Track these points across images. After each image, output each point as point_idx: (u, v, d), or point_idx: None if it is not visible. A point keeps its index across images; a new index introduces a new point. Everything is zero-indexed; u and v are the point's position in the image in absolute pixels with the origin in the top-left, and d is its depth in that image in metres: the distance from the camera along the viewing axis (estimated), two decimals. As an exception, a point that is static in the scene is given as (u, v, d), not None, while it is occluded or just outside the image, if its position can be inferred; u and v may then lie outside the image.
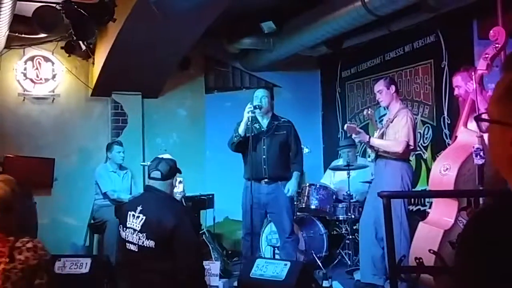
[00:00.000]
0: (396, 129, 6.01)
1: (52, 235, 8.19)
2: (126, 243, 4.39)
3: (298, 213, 7.95)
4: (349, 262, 7.47)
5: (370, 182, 7.10)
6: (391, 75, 8.34)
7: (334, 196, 7.80)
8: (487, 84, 5.48)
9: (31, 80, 8.57)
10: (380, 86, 6.23)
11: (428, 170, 7.41)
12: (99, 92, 8.89)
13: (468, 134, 4.77)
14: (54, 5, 7.01)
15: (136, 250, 4.32)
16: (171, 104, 9.51)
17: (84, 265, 5.81)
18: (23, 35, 8.28)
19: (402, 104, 6.39)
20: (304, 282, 5.48)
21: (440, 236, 4.56)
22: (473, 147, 4.41)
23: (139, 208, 4.39)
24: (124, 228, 4.42)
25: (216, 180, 9.07)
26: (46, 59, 8.65)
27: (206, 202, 8.08)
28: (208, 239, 7.45)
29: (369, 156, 6.43)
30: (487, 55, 4.74)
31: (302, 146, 6.95)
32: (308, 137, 8.82)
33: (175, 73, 9.15)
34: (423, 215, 7.03)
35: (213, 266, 6.43)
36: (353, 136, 6.26)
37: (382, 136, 6.19)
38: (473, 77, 4.68)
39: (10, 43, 8.22)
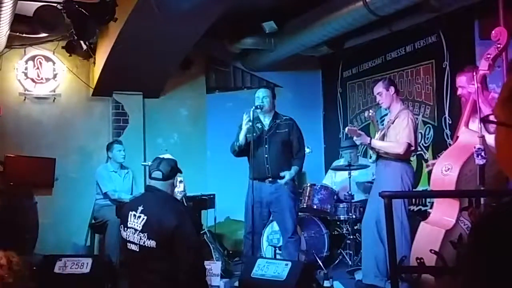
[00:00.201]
0: (397, 130, 6.01)
1: (53, 235, 8.22)
2: (127, 243, 4.39)
3: (299, 213, 7.94)
4: (350, 262, 7.46)
5: (371, 182, 7.10)
6: (392, 75, 8.34)
7: (335, 196, 7.80)
8: (489, 84, 5.48)
9: (32, 80, 8.57)
10: (379, 88, 6.21)
11: (429, 171, 7.41)
12: (100, 92, 8.89)
13: (470, 135, 4.76)
14: (55, 4, 7.01)
15: (137, 250, 4.32)
16: (172, 104, 9.50)
17: (85, 265, 5.82)
18: (24, 35, 8.29)
19: (403, 104, 6.38)
20: (305, 282, 5.49)
21: (441, 236, 4.55)
22: (475, 147, 4.40)
23: (140, 208, 4.39)
24: (125, 228, 4.42)
25: (217, 180, 9.07)
26: (47, 59, 8.65)
27: (207, 202, 8.07)
28: (209, 239, 7.45)
29: (370, 157, 6.42)
30: (489, 56, 4.73)
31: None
32: (309, 137, 8.78)
33: (176, 73, 9.15)
34: (424, 215, 7.03)
35: (214, 266, 6.43)
36: (354, 138, 6.25)
37: (383, 137, 6.19)
38: (475, 77, 4.67)
39: (11, 42, 8.22)
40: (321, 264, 7.27)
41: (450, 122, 7.49)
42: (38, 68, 8.59)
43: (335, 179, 8.47)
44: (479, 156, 4.36)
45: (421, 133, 8.01)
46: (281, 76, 10.21)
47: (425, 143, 8.02)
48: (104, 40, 8.09)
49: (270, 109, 6.64)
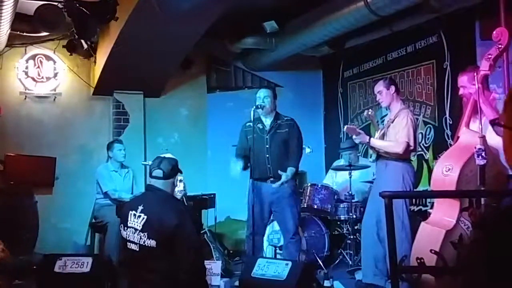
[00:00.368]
0: (397, 129, 6.00)
1: (53, 234, 8.23)
2: (127, 243, 4.39)
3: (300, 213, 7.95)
4: (350, 262, 7.47)
5: (371, 182, 7.10)
6: (393, 76, 8.34)
7: (335, 196, 7.80)
8: (490, 85, 5.47)
9: (33, 79, 8.58)
10: (379, 87, 6.22)
11: (430, 171, 7.41)
12: (100, 91, 8.89)
13: (470, 135, 4.76)
14: (56, 3, 7.02)
15: (137, 249, 4.32)
16: (173, 104, 9.51)
17: (85, 265, 5.82)
18: (24, 34, 8.29)
19: (403, 104, 6.37)
20: (305, 282, 5.49)
21: (441, 236, 4.55)
22: (475, 147, 4.40)
23: (140, 208, 4.39)
24: (125, 228, 4.42)
25: (218, 179, 9.07)
26: (48, 58, 8.66)
27: (207, 201, 8.07)
28: (210, 238, 7.45)
29: (370, 156, 6.42)
30: (489, 56, 4.72)
31: (304, 146, 6.93)
32: (310, 137, 8.80)
33: (177, 72, 9.15)
34: (425, 215, 7.03)
35: (214, 266, 6.43)
36: (354, 137, 6.25)
37: (383, 137, 6.18)
38: (476, 77, 4.67)
39: (12, 41, 8.23)
40: (321, 264, 7.28)
41: (451, 123, 7.48)
42: (38, 67, 8.59)
43: (335, 179, 8.47)
44: (480, 157, 4.35)
45: (421, 133, 8.01)
46: (282, 76, 10.21)
47: (426, 144, 8.02)
48: (105, 39, 8.09)
49: (271, 110, 6.64)
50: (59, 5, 6.96)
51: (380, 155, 6.17)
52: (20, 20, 7.62)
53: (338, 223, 8.10)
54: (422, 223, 4.90)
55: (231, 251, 8.26)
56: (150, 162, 4.91)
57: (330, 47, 9.02)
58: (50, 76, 8.67)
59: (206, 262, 5.30)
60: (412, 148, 5.98)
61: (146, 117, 9.22)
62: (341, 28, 7.49)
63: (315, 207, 7.71)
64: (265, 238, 7.44)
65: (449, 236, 4.54)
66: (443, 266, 4.27)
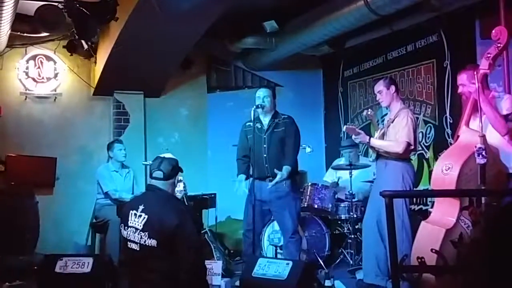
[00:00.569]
0: (397, 129, 6.00)
1: (54, 234, 8.23)
2: (128, 242, 4.39)
3: (300, 213, 7.95)
4: (351, 262, 7.46)
5: (372, 182, 7.10)
6: (393, 75, 8.35)
7: (336, 196, 7.80)
8: (490, 83, 5.47)
9: (33, 79, 8.58)
10: (380, 86, 6.22)
11: (430, 170, 7.41)
12: (101, 91, 8.89)
13: (470, 134, 4.76)
14: (56, 4, 7.01)
15: (138, 249, 4.33)
16: (173, 104, 9.51)
17: (86, 265, 5.81)
18: (25, 34, 8.30)
19: (403, 104, 6.37)
20: (306, 282, 5.49)
21: (442, 235, 4.55)
22: (475, 146, 4.40)
23: (141, 207, 4.40)
24: (126, 227, 4.42)
25: (218, 179, 9.06)
26: (48, 58, 8.66)
27: (208, 201, 8.07)
28: (210, 238, 7.45)
29: (370, 156, 6.43)
30: (489, 55, 4.73)
31: (301, 145, 6.92)
32: (310, 136, 8.81)
33: (177, 72, 9.16)
34: (425, 214, 7.03)
35: (215, 266, 6.42)
36: (353, 137, 6.25)
37: (383, 136, 6.18)
38: (476, 76, 4.67)
39: (12, 42, 8.23)
40: (322, 263, 7.27)
41: (451, 121, 7.49)
42: (39, 67, 8.60)
43: (335, 178, 8.47)
44: (480, 156, 4.35)
45: (422, 132, 8.01)
46: (282, 75, 10.22)
47: (426, 143, 8.02)
48: (105, 40, 8.09)
49: (270, 109, 6.64)
50: (59, 6, 6.96)
51: (380, 155, 6.17)
52: (20, 21, 7.63)
53: (339, 222, 8.10)
54: (423, 222, 4.91)
55: (231, 251, 8.25)
56: (150, 162, 4.91)
57: (330, 46, 9.02)
58: (50, 77, 8.67)
59: (206, 262, 5.30)
60: (412, 147, 5.98)
61: (147, 117, 9.23)
62: (341, 27, 7.49)
63: (316, 206, 7.71)
64: (265, 237, 7.45)
65: (449, 235, 4.54)
66: (443, 265, 4.27)
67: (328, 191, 7.76)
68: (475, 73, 4.73)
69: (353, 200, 7.58)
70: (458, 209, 4.65)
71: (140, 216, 4.36)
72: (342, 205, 7.78)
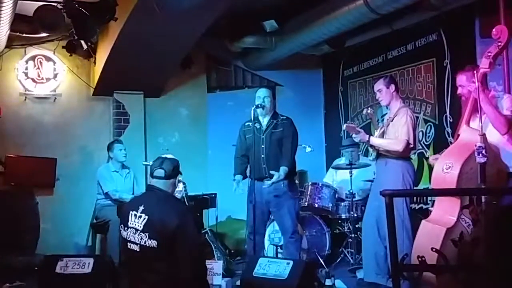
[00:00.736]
0: (396, 127, 6.01)
1: (55, 235, 8.23)
2: (128, 243, 4.38)
3: (300, 212, 7.94)
4: (351, 261, 7.46)
5: (372, 181, 7.10)
6: (393, 74, 8.34)
7: (336, 195, 7.80)
8: (490, 82, 5.47)
9: (33, 80, 8.57)
10: (379, 85, 6.22)
11: (431, 169, 7.40)
12: (100, 92, 8.89)
13: (470, 133, 4.76)
14: (55, 4, 7.00)
15: (138, 250, 4.31)
16: (173, 103, 9.51)
17: (86, 265, 5.80)
18: (24, 35, 8.28)
19: (403, 103, 6.37)
20: (307, 281, 5.48)
21: (442, 234, 4.55)
22: (475, 145, 4.40)
23: (141, 208, 4.38)
24: (126, 228, 4.41)
25: (219, 179, 9.04)
26: (48, 59, 8.65)
27: (208, 201, 8.08)
28: (211, 238, 7.44)
29: (371, 155, 6.42)
30: (489, 54, 4.72)
31: (301, 145, 6.92)
32: (310, 136, 8.83)
33: (177, 72, 9.15)
34: (426, 213, 7.03)
35: (215, 265, 6.43)
36: (353, 135, 6.25)
37: (382, 135, 6.19)
38: (476, 75, 4.66)
39: (12, 42, 8.22)
40: (322, 262, 7.28)
41: (451, 120, 7.49)
42: (38, 68, 8.59)
43: (336, 178, 8.47)
44: (480, 154, 4.35)
45: (422, 131, 8.02)
46: (282, 75, 10.22)
47: (426, 142, 8.02)
48: (105, 40, 8.09)
49: (270, 109, 6.63)
50: (59, 6, 6.95)
51: (380, 154, 6.17)
52: (19, 21, 7.63)
53: (339, 221, 8.11)
54: (423, 221, 4.90)
55: (232, 251, 8.25)
56: (150, 162, 4.90)
57: (330, 46, 9.02)
58: (50, 77, 8.66)
59: (207, 261, 5.30)
60: (411, 146, 5.98)
61: (147, 117, 9.22)
62: (341, 27, 7.49)
63: (316, 206, 7.71)
64: (266, 237, 7.45)
65: (449, 233, 4.54)
66: (444, 264, 4.27)
67: (328, 190, 7.75)
68: (475, 72, 4.73)
69: (354, 199, 7.58)
70: (458, 208, 4.65)
71: (140, 216, 4.35)
72: (342, 204, 7.78)
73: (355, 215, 7.54)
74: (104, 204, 7.88)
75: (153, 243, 4.23)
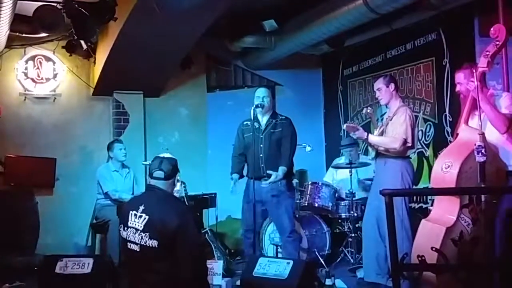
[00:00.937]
0: (395, 126, 6.01)
1: (54, 235, 8.23)
2: (127, 243, 4.37)
3: (300, 212, 7.95)
4: (352, 260, 7.46)
5: (372, 180, 7.10)
6: (393, 73, 8.34)
7: (336, 194, 7.80)
8: (488, 81, 5.47)
9: (32, 80, 8.57)
10: (379, 84, 6.23)
11: (430, 168, 7.42)
12: (100, 92, 8.89)
13: (470, 132, 4.76)
14: (54, 4, 7.00)
15: (138, 250, 4.30)
16: (172, 103, 9.51)
17: (86, 265, 5.80)
18: (24, 35, 8.28)
19: (402, 102, 6.38)
20: (307, 281, 5.48)
21: (442, 233, 4.55)
22: (475, 144, 4.39)
23: (141, 208, 4.37)
24: (125, 228, 4.40)
25: (218, 179, 9.02)
26: (47, 59, 8.65)
27: (208, 201, 8.09)
28: (211, 238, 7.44)
29: (370, 154, 6.43)
30: (487, 53, 4.73)
31: (301, 144, 6.92)
32: (310, 135, 8.83)
33: (177, 72, 9.15)
34: (425, 212, 7.03)
35: (215, 265, 6.43)
36: (352, 133, 6.25)
37: (382, 134, 6.19)
38: (474, 74, 4.67)
39: (11, 42, 8.22)
40: (322, 262, 7.29)
41: (451, 120, 7.49)
42: (38, 68, 8.59)
43: (336, 177, 8.47)
44: (480, 153, 4.35)
45: (421, 130, 8.02)
46: (281, 74, 10.22)
47: (426, 141, 8.02)
48: (104, 40, 8.09)
49: (269, 109, 6.64)
50: (58, 6, 6.94)
51: (380, 153, 6.17)
52: (19, 21, 7.62)
53: (339, 221, 8.10)
54: (423, 221, 4.90)
55: (232, 251, 8.25)
56: (150, 162, 4.89)
57: (330, 45, 9.01)
58: (49, 77, 8.66)
59: (207, 261, 5.29)
60: (410, 145, 5.98)
61: (146, 117, 9.22)
62: (340, 26, 7.49)
63: (316, 205, 7.71)
64: (266, 237, 7.45)
65: (449, 233, 4.54)
66: (444, 264, 4.27)
67: (328, 189, 7.75)
68: (474, 71, 4.73)
69: (354, 198, 7.57)
70: (458, 207, 4.65)
71: (140, 216, 4.34)
72: (342, 203, 7.77)
73: (355, 214, 7.54)
74: (104, 204, 7.88)
75: (153, 243, 4.22)
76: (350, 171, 7.59)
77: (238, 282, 6.21)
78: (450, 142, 6.43)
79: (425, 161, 7.98)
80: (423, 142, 8.04)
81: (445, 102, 7.65)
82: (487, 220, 4.49)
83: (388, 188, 3.94)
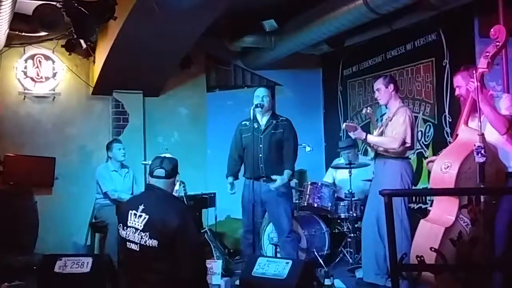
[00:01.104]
0: (394, 126, 6.02)
1: (53, 234, 8.22)
2: (127, 242, 4.36)
3: (299, 212, 7.95)
4: (350, 260, 7.46)
5: (371, 180, 7.10)
6: (393, 73, 8.34)
7: (335, 194, 7.80)
8: (488, 82, 5.47)
9: (32, 79, 8.57)
10: (378, 84, 6.25)
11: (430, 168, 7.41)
12: (100, 91, 8.89)
13: (469, 132, 4.75)
14: (54, 3, 6.99)
15: (138, 249, 4.29)
16: (172, 103, 9.51)
17: (85, 265, 5.79)
18: (23, 34, 8.27)
19: (402, 102, 6.38)
20: (306, 281, 5.48)
21: (441, 233, 4.55)
22: (474, 145, 4.39)
23: (141, 207, 4.36)
24: (125, 227, 4.39)
25: (218, 178, 9.01)
26: (47, 58, 8.65)
27: (207, 200, 8.09)
28: (210, 237, 7.45)
29: (369, 155, 6.43)
30: (487, 53, 4.73)
31: (301, 144, 6.92)
32: (309, 135, 8.82)
33: (177, 71, 9.15)
34: (424, 213, 7.03)
35: (215, 265, 6.44)
36: (350, 133, 6.25)
37: (381, 134, 6.20)
38: (474, 75, 4.66)
39: (11, 41, 8.21)
40: (321, 262, 7.29)
41: (450, 120, 7.49)
42: (37, 67, 8.58)
43: (336, 177, 8.47)
44: (479, 154, 4.35)
45: (421, 131, 8.02)
46: (281, 74, 10.22)
47: (425, 141, 8.02)
48: (104, 39, 8.08)
49: (268, 109, 6.64)
50: (58, 5, 6.93)
51: (379, 154, 6.17)
52: (18, 20, 7.60)
53: (339, 221, 8.11)
54: (422, 221, 4.90)
55: (231, 250, 8.26)
56: (150, 162, 4.89)
57: (330, 45, 9.01)
58: (49, 76, 8.66)
59: (206, 261, 5.28)
60: (409, 145, 5.99)
61: (146, 117, 9.22)
62: (340, 26, 7.49)
63: (315, 205, 7.71)
64: (265, 236, 7.45)
65: (448, 233, 4.54)
66: (442, 264, 4.27)
67: (327, 190, 7.75)
68: (473, 72, 4.73)
69: (353, 199, 7.58)
70: (457, 208, 4.65)
71: (140, 216, 4.33)
72: (341, 204, 7.78)
73: (355, 214, 7.55)
74: (103, 204, 7.87)
75: (153, 242, 4.21)
76: (350, 172, 7.59)
77: (237, 282, 6.23)
78: (450, 142, 6.43)
79: (424, 161, 7.97)
80: (422, 142, 8.03)
81: (444, 102, 7.65)
82: (486, 221, 4.49)
83: (387, 188, 3.93)
